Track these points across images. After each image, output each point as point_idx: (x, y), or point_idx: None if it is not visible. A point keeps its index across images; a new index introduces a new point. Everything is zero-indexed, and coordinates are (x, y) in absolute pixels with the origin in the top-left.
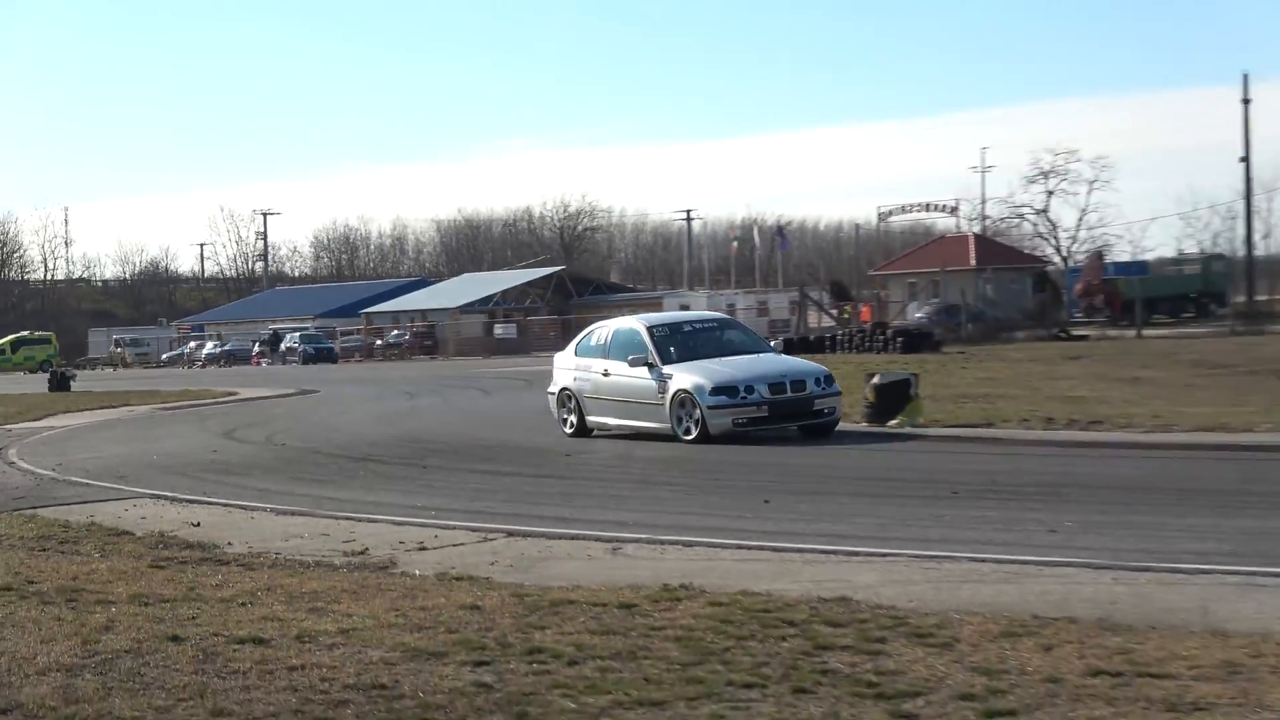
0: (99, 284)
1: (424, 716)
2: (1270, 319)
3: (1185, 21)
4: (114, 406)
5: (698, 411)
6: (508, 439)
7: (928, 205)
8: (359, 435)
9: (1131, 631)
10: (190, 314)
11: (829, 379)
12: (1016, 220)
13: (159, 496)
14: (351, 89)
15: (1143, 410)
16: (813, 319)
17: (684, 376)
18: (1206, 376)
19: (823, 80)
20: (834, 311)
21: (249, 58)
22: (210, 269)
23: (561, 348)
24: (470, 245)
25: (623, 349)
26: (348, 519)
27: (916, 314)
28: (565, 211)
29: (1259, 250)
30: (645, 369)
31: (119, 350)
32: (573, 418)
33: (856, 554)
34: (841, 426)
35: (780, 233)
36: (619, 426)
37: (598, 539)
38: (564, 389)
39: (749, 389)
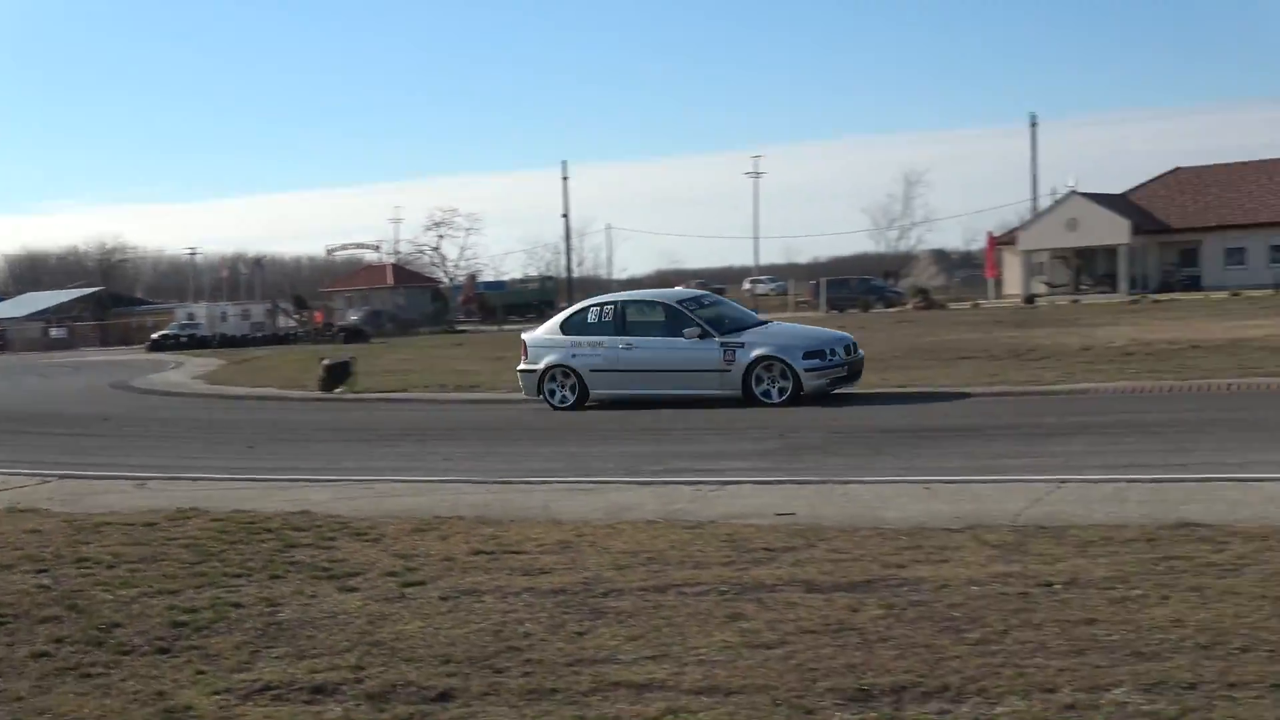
0: None
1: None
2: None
3: (509, 111)
4: None
5: (789, 375)
6: (64, 410)
7: (360, 244)
8: None
9: (499, 524)
10: None
11: (857, 344)
12: (419, 254)
13: None
14: None
15: (502, 379)
16: (282, 322)
17: (760, 344)
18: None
19: (287, 152)
20: (297, 316)
21: None
22: None
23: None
24: (30, 272)
25: (649, 324)
26: None
27: (353, 317)
28: (103, 249)
29: (576, 273)
30: (701, 339)
31: None
32: (565, 392)
33: (316, 481)
34: (302, 395)
35: (259, 263)
36: (645, 397)
37: (129, 479)
38: (556, 365)
39: (832, 352)
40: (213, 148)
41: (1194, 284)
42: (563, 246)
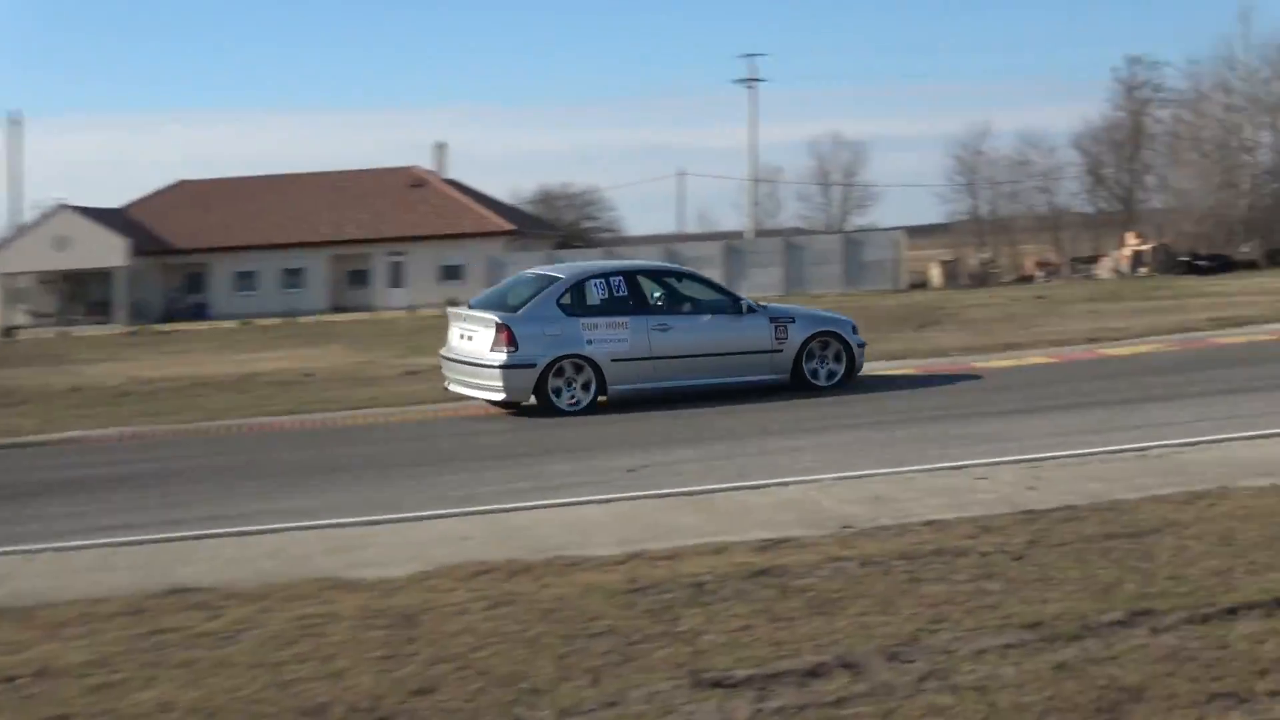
0: None
1: None
2: None
3: None
4: None
5: (843, 356)
6: None
7: None
8: None
9: None
10: None
11: None
12: None
13: None
14: None
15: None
16: None
17: (806, 321)
18: None
19: None
20: None
21: None
22: None
23: None
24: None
25: (678, 300)
26: None
27: None
28: None
29: None
30: (749, 316)
31: None
32: (577, 391)
33: None
34: None
35: None
36: (682, 390)
37: None
38: (566, 357)
39: (857, 329)
40: None
41: (202, 312)
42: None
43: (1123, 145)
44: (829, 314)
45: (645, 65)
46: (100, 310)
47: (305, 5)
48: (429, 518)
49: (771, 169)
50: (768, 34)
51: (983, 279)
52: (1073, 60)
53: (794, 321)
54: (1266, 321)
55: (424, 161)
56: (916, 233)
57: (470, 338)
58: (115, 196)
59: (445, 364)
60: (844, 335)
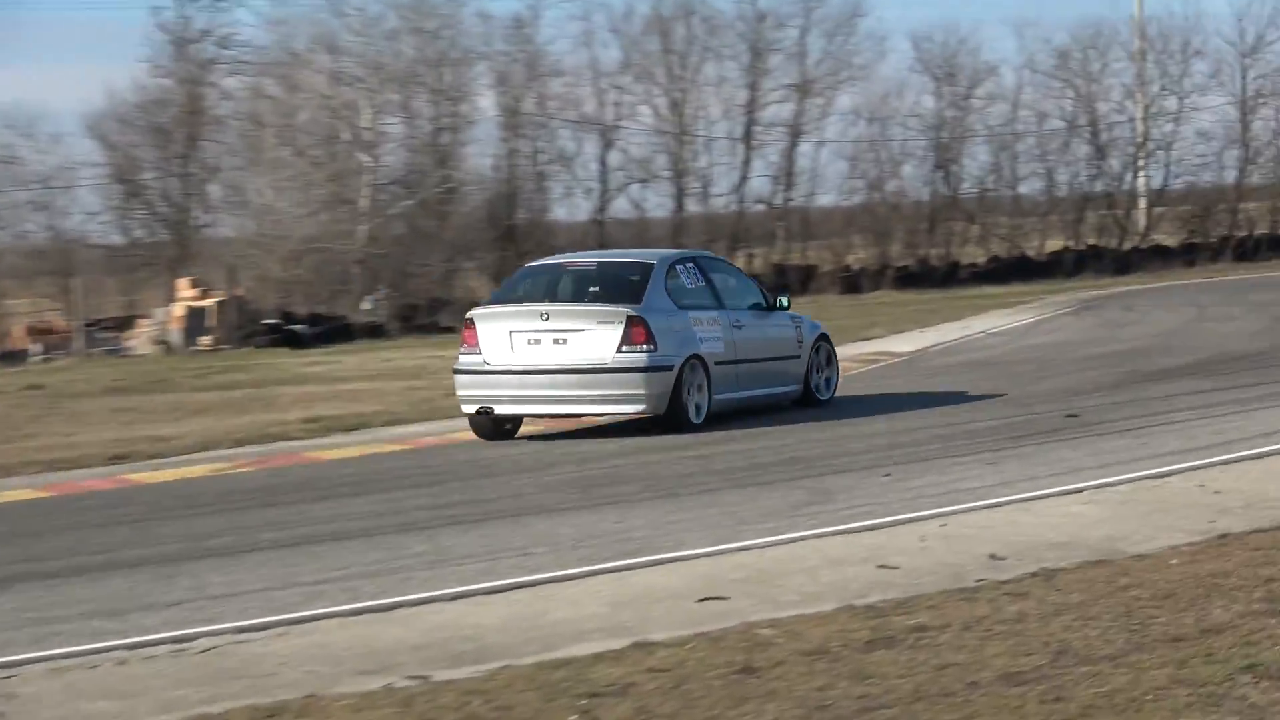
0: None
1: None
2: None
3: None
4: None
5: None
6: None
7: None
8: None
9: None
10: None
11: None
12: None
13: None
14: None
15: None
16: None
17: (806, 321)
18: None
19: None
20: None
21: None
22: None
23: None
24: None
25: (729, 292)
26: None
27: None
28: None
29: None
30: (778, 313)
31: None
32: (700, 398)
33: None
34: None
35: None
36: (746, 404)
37: None
38: (693, 357)
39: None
40: None
41: None
42: None
43: (170, 135)
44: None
45: None
46: None
47: None
48: None
49: None
50: None
51: None
52: None
53: (802, 321)
54: (395, 424)
55: None
56: None
57: (564, 340)
58: None
59: (490, 379)
60: (831, 343)
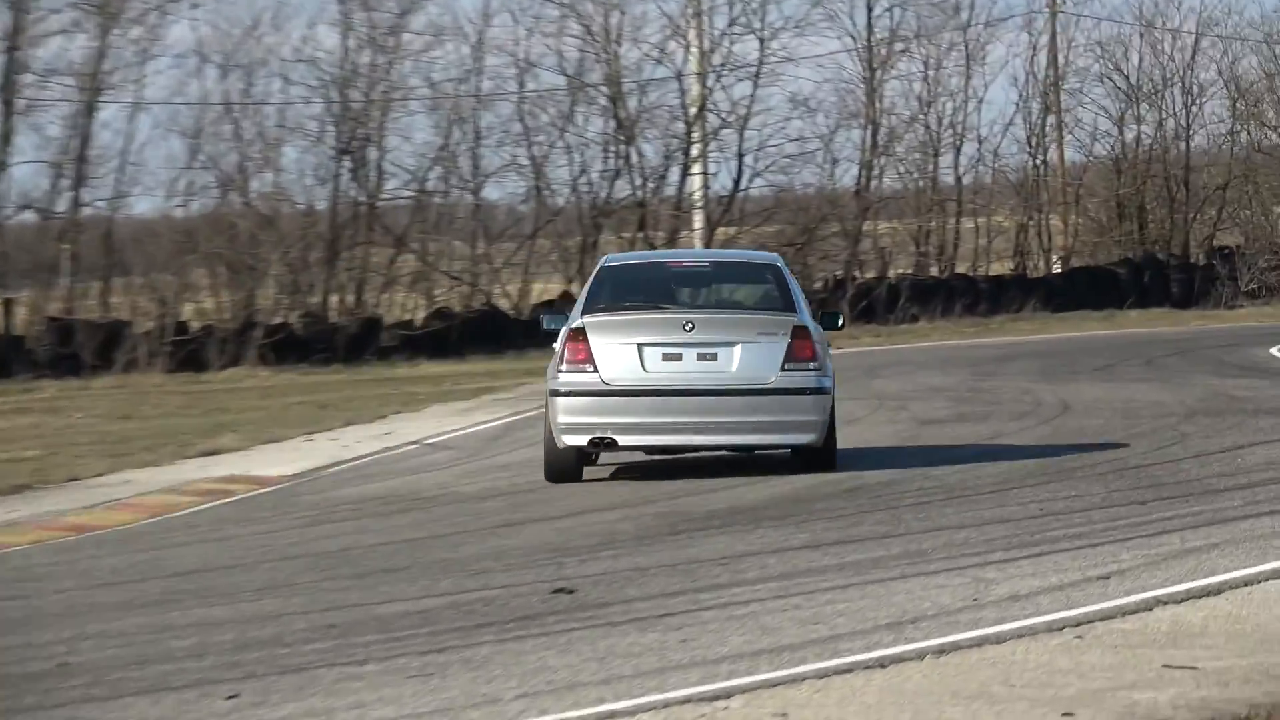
0: None
1: None
2: None
3: None
4: None
5: None
6: None
7: None
8: None
9: None
10: None
11: None
12: None
13: None
14: None
15: None
16: None
17: None
18: None
19: None
20: None
21: None
22: None
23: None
24: None
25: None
26: None
27: None
28: None
29: None
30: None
31: None
32: None
33: None
34: None
35: None
36: None
37: None
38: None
39: None
40: None
41: None
42: None
43: None
44: None
45: None
46: None
47: None
48: None
49: None
50: None
51: None
52: None
53: None
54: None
55: None
56: None
57: (713, 355)
58: None
59: (612, 403)
60: None
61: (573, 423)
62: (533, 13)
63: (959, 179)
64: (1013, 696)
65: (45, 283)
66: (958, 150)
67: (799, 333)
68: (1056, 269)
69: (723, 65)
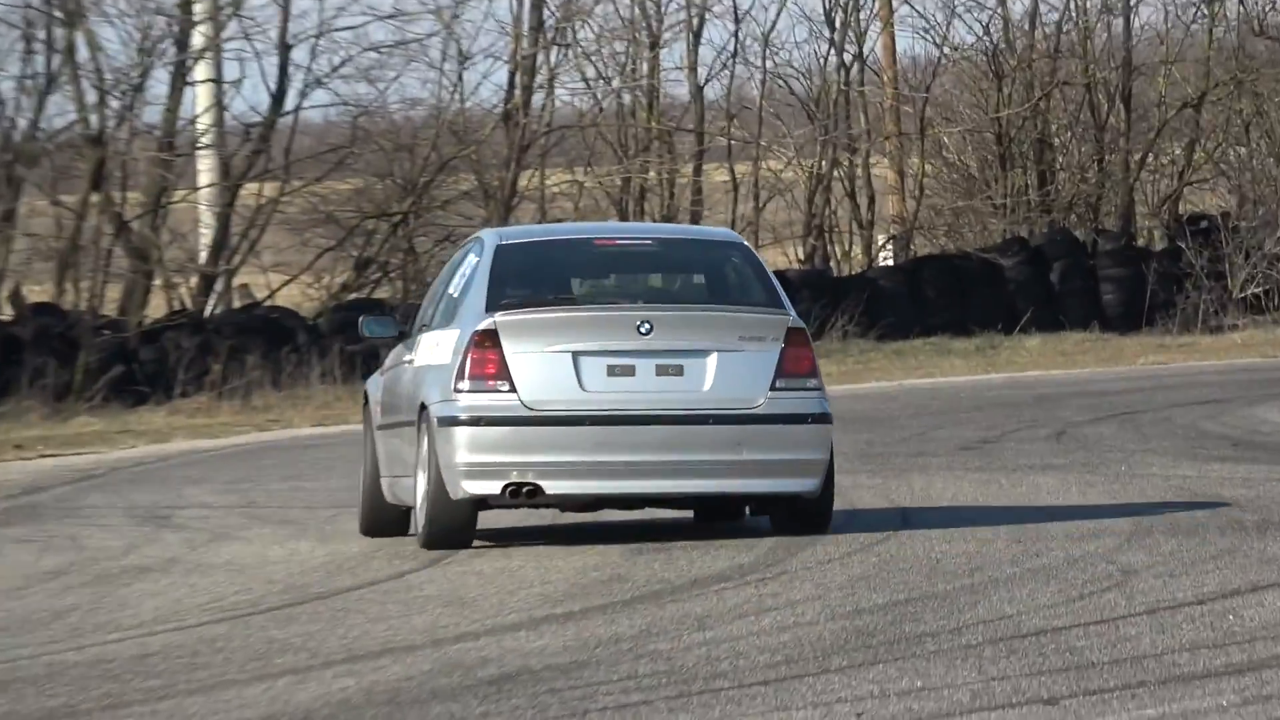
0: None
1: None
2: None
3: None
4: None
5: None
6: None
7: None
8: None
9: None
10: None
11: None
12: None
13: None
14: None
15: None
16: None
17: None
18: None
19: None
20: None
21: None
22: None
23: None
24: None
25: None
26: None
27: None
28: None
29: None
30: None
31: None
32: None
33: None
34: None
35: None
36: None
37: None
38: None
39: None
40: None
41: None
42: None
43: None
44: None
45: None
46: None
47: None
48: None
49: None
50: None
51: None
52: None
53: None
54: None
55: None
56: None
57: (677, 368)
58: None
59: (536, 436)
60: None
61: (479, 462)
62: None
63: (698, 92)
64: None
65: None
66: (693, 41)
67: (795, 337)
68: (885, 259)
69: None
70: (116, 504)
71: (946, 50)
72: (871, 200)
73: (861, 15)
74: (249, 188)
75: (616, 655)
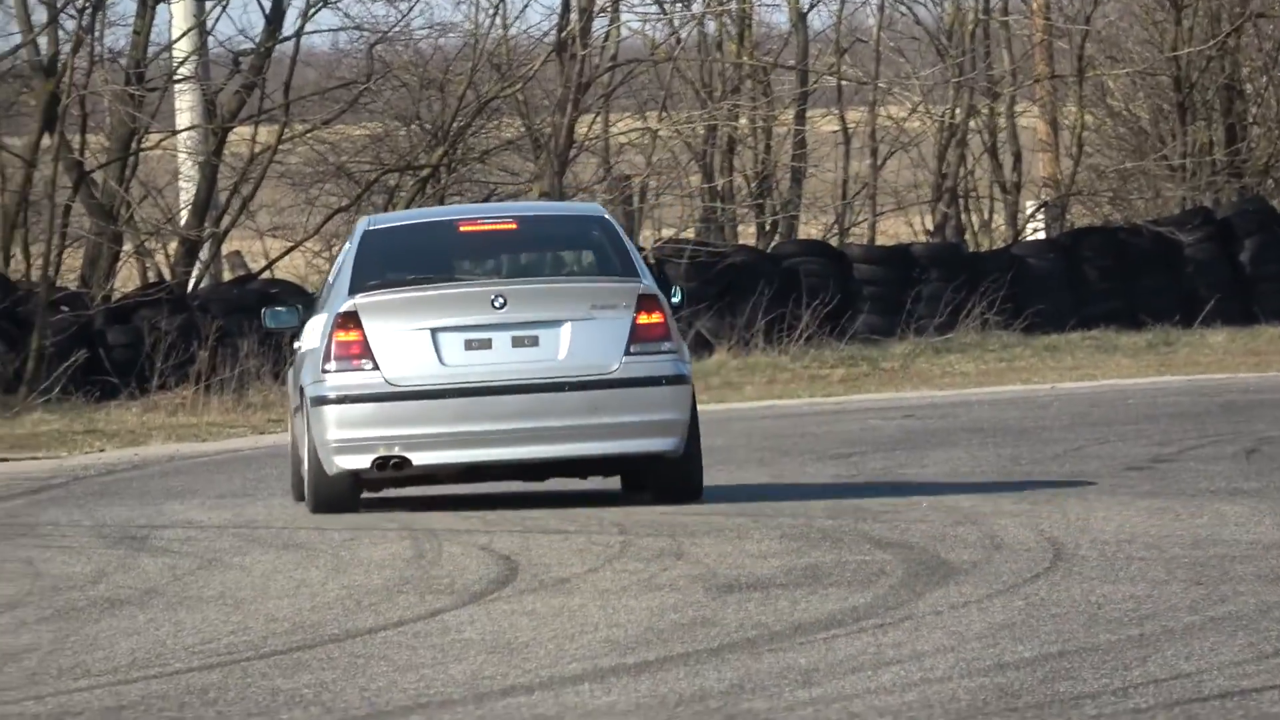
0: None
1: None
2: None
3: None
4: None
5: None
6: None
7: None
8: None
9: None
10: None
11: None
12: None
13: None
14: None
15: None
16: None
17: None
18: None
19: None
20: None
21: None
22: None
23: None
24: None
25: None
26: None
27: None
28: None
29: None
30: None
31: None
32: None
33: None
34: None
35: None
36: None
37: None
38: None
39: None
40: None
41: None
42: None
43: None
44: None
45: None
46: None
47: None
48: None
49: None
50: None
51: None
52: None
53: None
54: None
55: None
56: None
57: (533, 339)
58: None
59: (401, 410)
60: None
61: (348, 439)
62: None
63: (800, 20)
64: None
65: None
66: None
67: (647, 303)
68: (1035, 232)
69: None
70: (82, 521)
71: None
72: (1017, 159)
73: None
74: (240, 132)
75: (702, 716)
